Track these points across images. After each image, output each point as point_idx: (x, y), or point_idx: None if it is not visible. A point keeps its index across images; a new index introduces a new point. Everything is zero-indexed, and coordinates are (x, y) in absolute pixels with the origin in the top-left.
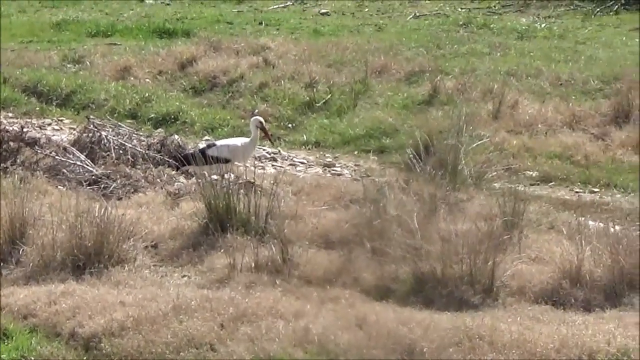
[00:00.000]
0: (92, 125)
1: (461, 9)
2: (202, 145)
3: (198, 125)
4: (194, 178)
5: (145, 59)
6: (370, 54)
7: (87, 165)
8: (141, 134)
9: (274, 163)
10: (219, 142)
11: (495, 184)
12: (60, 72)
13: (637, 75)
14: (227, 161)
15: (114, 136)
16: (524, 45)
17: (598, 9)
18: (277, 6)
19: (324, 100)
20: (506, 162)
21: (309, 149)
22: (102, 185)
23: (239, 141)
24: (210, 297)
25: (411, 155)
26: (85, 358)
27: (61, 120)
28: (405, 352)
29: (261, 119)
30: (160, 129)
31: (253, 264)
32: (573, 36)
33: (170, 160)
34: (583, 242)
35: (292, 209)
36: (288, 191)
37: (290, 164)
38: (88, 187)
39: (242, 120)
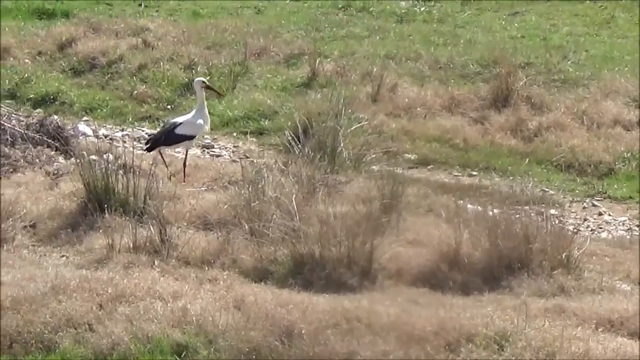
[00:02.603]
0: None
1: None
2: (159, 129)
3: (77, 106)
4: (72, 158)
5: (25, 39)
6: (249, 36)
7: None
8: (20, 114)
9: None
10: (179, 120)
11: (373, 167)
12: None
13: (515, 60)
14: (192, 137)
15: None
16: (403, 28)
17: None
18: None
19: None
20: (385, 145)
21: None
22: None
23: (192, 116)
24: (89, 278)
25: (290, 138)
26: None
27: None
28: (283, 333)
29: (204, 79)
30: (39, 109)
31: (131, 245)
32: (452, 20)
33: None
34: (461, 225)
35: (171, 190)
36: (166, 172)
37: None
38: None
39: (121, 102)
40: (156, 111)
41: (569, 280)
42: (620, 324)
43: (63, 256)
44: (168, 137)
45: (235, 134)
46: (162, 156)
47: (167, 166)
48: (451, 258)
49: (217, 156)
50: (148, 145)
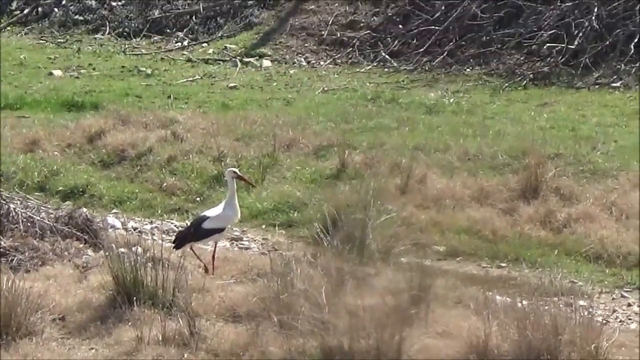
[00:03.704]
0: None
1: (369, 83)
2: (187, 222)
3: (106, 199)
4: (101, 251)
5: (54, 132)
6: (278, 128)
7: None
8: (49, 206)
9: None
10: (207, 214)
11: (402, 259)
12: None
13: (544, 151)
14: (221, 230)
15: (22, 209)
16: (432, 120)
17: (506, 84)
18: (185, 80)
19: None
20: (414, 236)
21: None
22: (10, 258)
23: (222, 208)
24: None
25: (319, 229)
26: None
27: None
28: None
29: (235, 169)
30: (68, 202)
31: (160, 337)
32: (481, 111)
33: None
34: (490, 316)
35: (200, 282)
36: (195, 265)
37: None
38: None
39: (150, 194)
40: (185, 203)
41: None
42: None
43: (92, 349)
44: (196, 232)
45: (264, 226)
46: (192, 250)
47: (201, 260)
48: (480, 350)
49: (246, 249)
50: (176, 243)
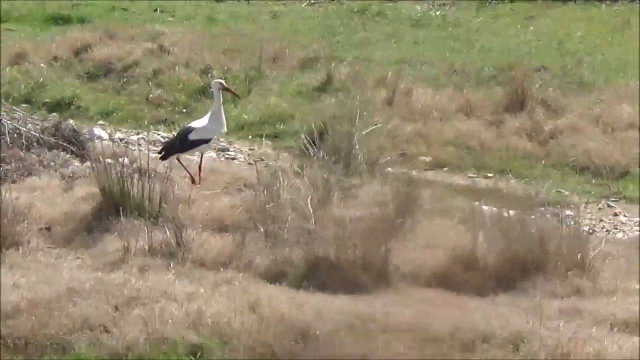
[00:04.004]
0: None
1: None
2: (174, 133)
3: (93, 110)
4: (88, 162)
5: (40, 45)
6: (264, 42)
7: None
8: (36, 118)
9: None
10: (193, 125)
11: (389, 170)
12: None
13: (530, 64)
14: (208, 141)
15: (8, 120)
16: (418, 33)
17: None
18: None
19: None
20: (400, 148)
21: None
22: None
23: (208, 119)
24: (104, 280)
25: (305, 141)
26: None
27: None
28: (298, 335)
29: (222, 80)
30: (54, 114)
31: (147, 248)
32: (467, 25)
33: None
34: (477, 227)
35: (186, 193)
36: (182, 176)
37: None
38: None
39: (137, 106)
40: (172, 115)
41: (584, 281)
42: (635, 324)
43: (78, 259)
44: (183, 143)
45: (250, 137)
46: (179, 161)
47: (188, 172)
48: (466, 260)
49: (233, 159)
50: (162, 154)
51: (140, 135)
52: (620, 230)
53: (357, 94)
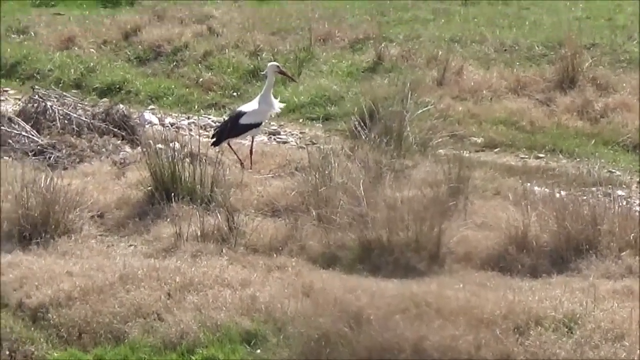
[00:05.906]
0: (37, 96)
1: None
2: (225, 117)
3: (143, 95)
4: (139, 148)
5: (90, 28)
6: (314, 22)
7: (33, 136)
8: (86, 103)
9: None
10: (243, 109)
11: (440, 151)
12: (5, 42)
13: (580, 41)
14: (259, 125)
15: (59, 106)
16: (468, 10)
17: None
18: None
19: None
20: (451, 128)
21: None
22: (48, 155)
23: (257, 102)
24: (157, 267)
25: (356, 123)
26: (32, 328)
27: (6, 91)
28: (352, 319)
29: (278, 64)
30: (105, 99)
31: (199, 233)
32: (517, 1)
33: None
34: (529, 207)
35: (238, 177)
36: (233, 159)
37: None
38: (34, 158)
39: (187, 89)
40: (222, 98)
41: (637, 261)
42: None
43: (131, 245)
44: (234, 128)
45: (301, 120)
46: (230, 145)
47: (238, 156)
48: (519, 241)
49: (284, 143)
50: (214, 139)
51: (191, 120)
52: None
53: (407, 73)
